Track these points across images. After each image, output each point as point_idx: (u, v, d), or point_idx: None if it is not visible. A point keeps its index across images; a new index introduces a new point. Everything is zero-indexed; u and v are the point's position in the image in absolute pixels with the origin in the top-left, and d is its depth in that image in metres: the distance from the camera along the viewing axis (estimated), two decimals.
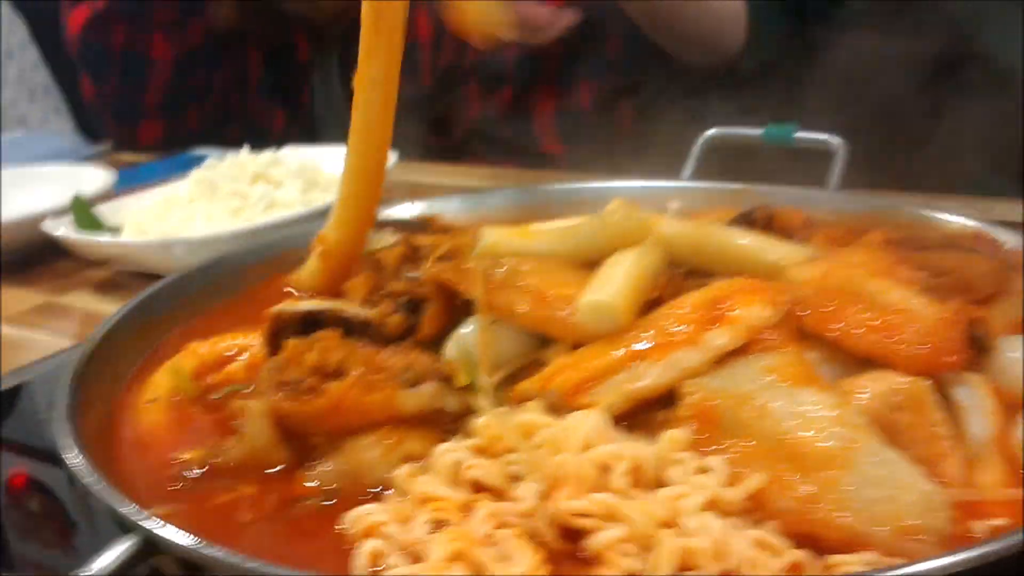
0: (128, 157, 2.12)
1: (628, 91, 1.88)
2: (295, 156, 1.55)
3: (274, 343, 0.82)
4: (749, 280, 0.75)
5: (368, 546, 0.60)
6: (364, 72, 0.91)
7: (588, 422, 0.64)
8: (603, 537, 0.57)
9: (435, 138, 2.01)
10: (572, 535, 0.60)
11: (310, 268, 0.97)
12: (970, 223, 1.02)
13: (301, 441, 0.72)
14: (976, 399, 0.70)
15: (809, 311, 0.74)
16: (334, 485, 0.69)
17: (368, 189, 0.95)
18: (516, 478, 0.65)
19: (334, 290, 0.94)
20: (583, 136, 1.89)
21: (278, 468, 0.72)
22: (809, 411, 0.63)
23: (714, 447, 0.64)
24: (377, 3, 0.88)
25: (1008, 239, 0.97)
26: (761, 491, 0.60)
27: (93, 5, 1.97)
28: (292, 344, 0.76)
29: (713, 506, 0.59)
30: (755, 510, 0.61)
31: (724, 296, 0.72)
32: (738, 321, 0.70)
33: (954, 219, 1.04)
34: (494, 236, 0.89)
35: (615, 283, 0.73)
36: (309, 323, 0.85)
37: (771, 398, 0.64)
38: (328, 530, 0.64)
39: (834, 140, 1.27)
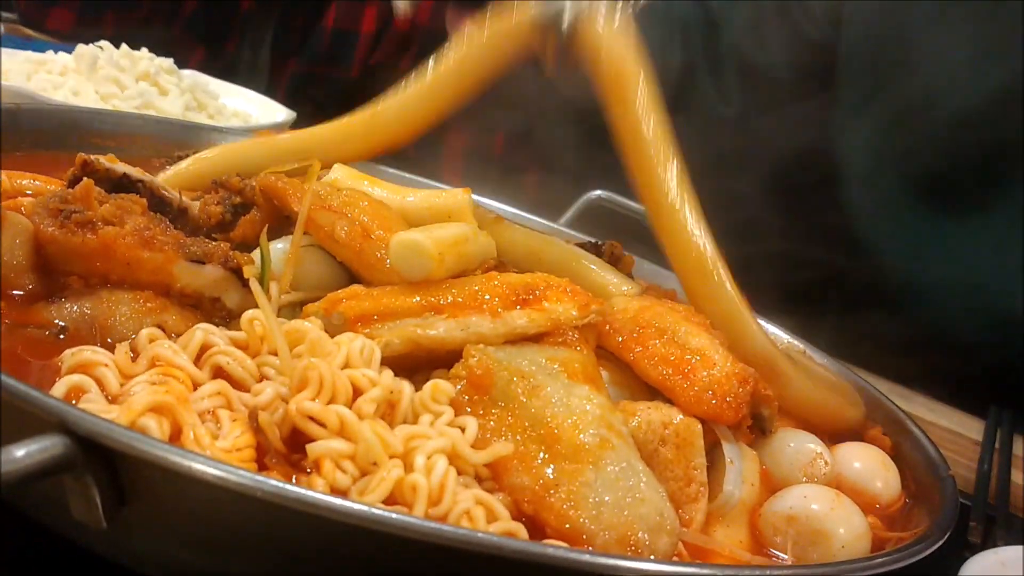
0: (30, 34, 2.01)
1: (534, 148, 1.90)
2: (194, 77, 1.49)
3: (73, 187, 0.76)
4: (570, 283, 0.73)
5: (73, 379, 0.54)
6: None
7: (356, 344, 0.61)
8: (326, 446, 0.53)
9: None
10: (298, 447, 0.56)
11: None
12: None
13: (54, 277, 0.66)
14: (742, 462, 0.69)
15: (614, 333, 0.73)
16: (71, 326, 0.63)
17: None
18: (265, 379, 0.60)
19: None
20: (482, 180, 1.89)
21: (20, 293, 0.65)
22: (577, 404, 0.61)
23: (477, 412, 0.61)
24: None
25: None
26: (504, 461, 0.58)
27: None
28: (87, 184, 0.70)
29: (451, 458, 0.56)
30: (492, 478, 0.58)
31: (539, 286, 0.70)
32: (543, 310, 0.68)
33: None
34: (343, 172, 0.86)
35: (433, 232, 0.70)
36: (121, 187, 0.80)
37: (546, 383, 0.62)
38: (44, 359, 0.58)
39: None
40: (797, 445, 0.76)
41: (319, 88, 2.03)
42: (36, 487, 0.48)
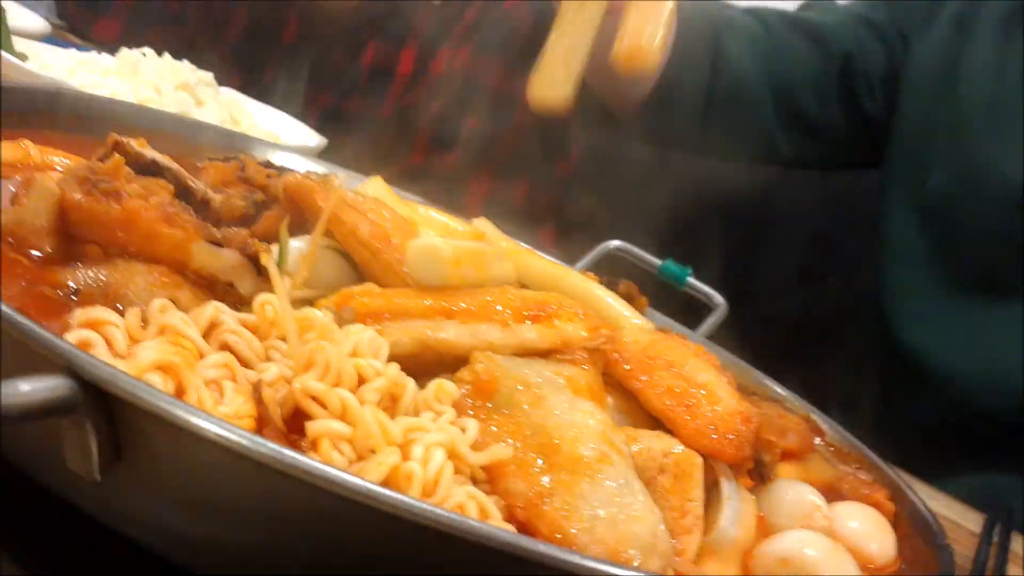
0: (75, 40, 2.05)
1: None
2: (231, 94, 1.52)
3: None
4: (584, 308, 0.73)
5: (82, 333, 0.54)
6: None
7: (366, 335, 0.61)
8: (325, 425, 0.53)
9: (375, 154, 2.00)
10: (297, 428, 0.56)
11: None
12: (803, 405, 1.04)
13: (73, 243, 0.66)
14: (739, 501, 0.68)
15: (622, 362, 0.73)
16: (84, 290, 0.63)
17: None
18: (271, 361, 0.60)
19: None
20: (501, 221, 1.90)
21: (39, 254, 0.65)
22: (580, 418, 0.61)
23: (479, 416, 0.60)
24: None
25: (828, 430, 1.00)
26: (501, 466, 0.57)
27: None
28: (118, 160, 0.71)
29: (449, 455, 0.55)
30: (487, 481, 0.57)
31: (552, 305, 0.71)
32: (554, 327, 0.69)
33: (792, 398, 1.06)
34: (378, 187, 0.88)
35: (453, 241, 0.71)
36: (149, 172, 0.81)
37: (551, 394, 0.62)
38: (54, 317, 0.58)
39: (718, 298, 1.30)
40: (795, 495, 0.75)
41: (350, 123, 2.07)
42: (33, 432, 0.48)
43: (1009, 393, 1.25)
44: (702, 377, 0.71)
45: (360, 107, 2.16)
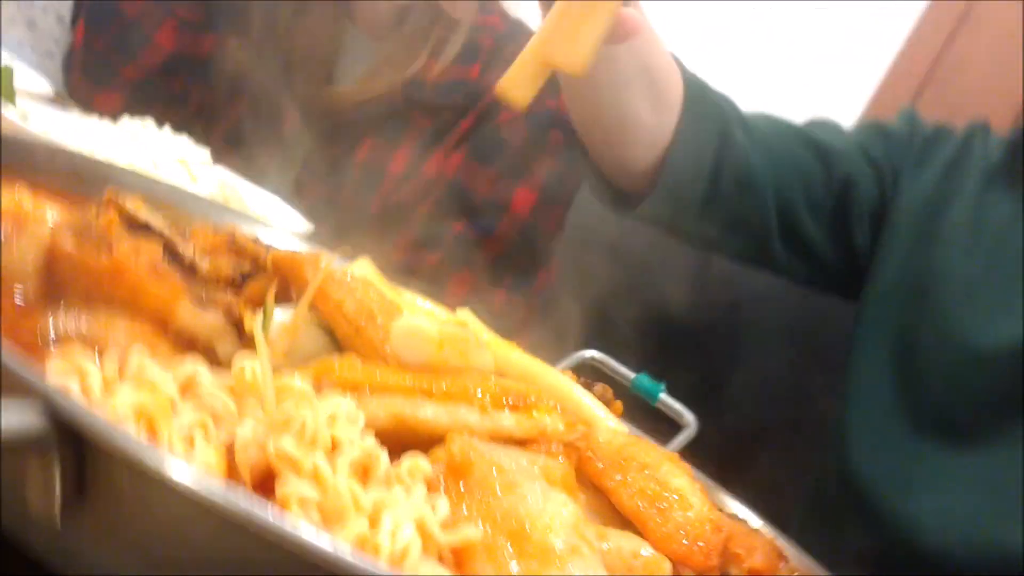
0: (77, 108, 2.08)
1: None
2: (226, 174, 1.54)
3: None
4: (563, 407, 0.73)
5: (58, 377, 0.53)
6: None
7: (344, 404, 0.60)
8: (296, 487, 0.52)
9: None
10: (266, 490, 0.54)
11: None
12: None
13: (57, 290, 0.66)
14: None
15: (596, 460, 0.72)
16: (63, 336, 0.62)
17: None
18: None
19: None
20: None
21: (21, 299, 0.65)
22: (553, 508, 0.60)
23: (450, 496, 0.59)
24: None
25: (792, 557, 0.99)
26: (469, 549, 0.56)
27: None
28: (112, 216, 0.72)
29: (418, 531, 0.54)
30: (455, 564, 0.56)
31: (531, 396, 0.71)
32: (532, 417, 0.68)
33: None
34: (366, 268, 0.88)
35: (438, 323, 0.71)
36: (141, 231, 0.81)
37: (524, 481, 0.61)
38: (32, 358, 0.57)
39: (689, 416, 1.30)
40: None
41: (338, 214, 2.09)
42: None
43: (958, 540, 1.24)
44: (675, 482, 0.71)
45: (348, 200, 2.19)
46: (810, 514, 1.33)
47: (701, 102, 1.28)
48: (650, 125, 1.27)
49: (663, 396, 1.34)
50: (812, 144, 1.37)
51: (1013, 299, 1.25)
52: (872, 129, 1.44)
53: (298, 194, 2.17)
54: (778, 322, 1.60)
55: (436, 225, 2.04)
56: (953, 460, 1.28)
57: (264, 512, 0.44)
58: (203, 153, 1.47)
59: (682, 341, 1.59)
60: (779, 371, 1.60)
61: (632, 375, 1.37)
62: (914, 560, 1.27)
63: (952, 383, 1.28)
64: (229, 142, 2.20)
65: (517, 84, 0.93)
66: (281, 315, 0.78)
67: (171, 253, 0.81)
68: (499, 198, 2.10)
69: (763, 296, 1.60)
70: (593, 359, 1.41)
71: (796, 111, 1.57)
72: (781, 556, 0.94)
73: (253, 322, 0.67)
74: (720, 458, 1.25)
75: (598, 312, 1.60)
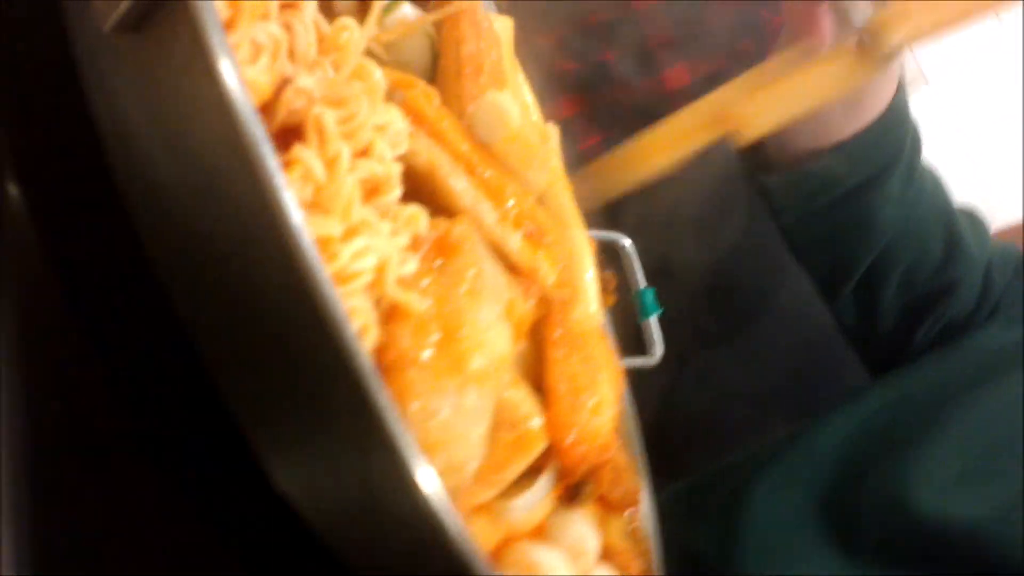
0: None
1: None
2: None
3: None
4: (566, 265, 0.74)
5: None
6: None
7: (400, 124, 0.60)
8: (310, 159, 0.53)
9: None
10: (285, 141, 0.55)
11: None
12: None
13: None
14: (542, 499, 0.70)
15: (557, 326, 0.73)
16: None
17: None
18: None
19: None
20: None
21: None
22: (495, 335, 0.61)
23: (426, 263, 0.60)
24: None
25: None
26: (405, 313, 0.57)
27: None
28: None
29: (377, 267, 0.55)
30: (384, 316, 0.57)
31: (549, 238, 0.71)
32: (534, 255, 0.69)
33: None
34: (506, 29, 0.85)
35: (526, 117, 0.70)
36: None
37: (490, 298, 0.62)
38: None
39: (659, 352, 1.29)
40: (580, 531, 0.75)
41: None
42: None
43: None
44: (604, 389, 0.72)
45: None
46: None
47: (891, 131, 1.20)
48: (831, 125, 1.19)
49: (652, 320, 1.34)
50: (950, 231, 1.28)
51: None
52: (1009, 255, 1.35)
53: None
54: (789, 339, 1.58)
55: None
56: None
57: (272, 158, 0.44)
58: None
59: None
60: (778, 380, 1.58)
61: (643, 285, 1.37)
62: None
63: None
64: None
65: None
66: (408, 11, 0.76)
67: None
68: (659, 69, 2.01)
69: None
70: (624, 247, 1.41)
71: (966, 180, 1.48)
72: (636, 503, 0.97)
73: None
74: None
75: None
